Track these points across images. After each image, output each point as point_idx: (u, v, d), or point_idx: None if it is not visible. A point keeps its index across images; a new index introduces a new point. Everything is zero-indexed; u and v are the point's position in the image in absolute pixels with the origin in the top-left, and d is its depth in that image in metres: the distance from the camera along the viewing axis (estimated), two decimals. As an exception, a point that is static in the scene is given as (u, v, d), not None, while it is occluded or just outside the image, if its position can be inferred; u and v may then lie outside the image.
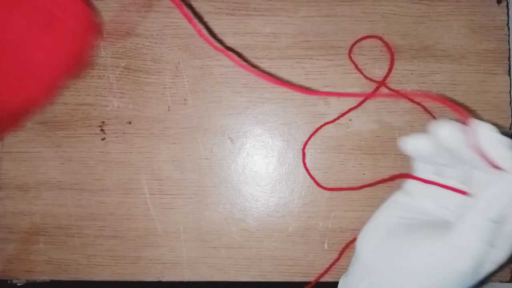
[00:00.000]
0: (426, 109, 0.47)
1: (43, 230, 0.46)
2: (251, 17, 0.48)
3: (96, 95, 0.47)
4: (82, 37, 0.39)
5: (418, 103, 0.47)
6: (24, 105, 0.41)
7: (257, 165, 0.47)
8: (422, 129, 0.46)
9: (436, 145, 0.25)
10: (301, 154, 0.47)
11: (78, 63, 0.42)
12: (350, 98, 0.47)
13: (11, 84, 0.37)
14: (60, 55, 0.38)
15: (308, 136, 0.47)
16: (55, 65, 0.38)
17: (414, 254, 0.25)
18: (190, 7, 0.48)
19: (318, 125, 0.47)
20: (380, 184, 0.46)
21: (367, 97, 0.45)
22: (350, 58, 0.47)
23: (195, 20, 0.44)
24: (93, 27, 0.41)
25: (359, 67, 0.47)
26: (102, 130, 0.47)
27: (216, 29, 0.48)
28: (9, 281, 0.46)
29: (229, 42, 0.47)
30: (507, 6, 0.48)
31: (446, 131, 0.24)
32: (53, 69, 0.38)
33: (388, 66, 0.47)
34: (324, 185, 0.46)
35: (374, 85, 0.47)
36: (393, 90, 0.46)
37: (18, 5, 0.35)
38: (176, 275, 0.45)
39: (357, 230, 0.46)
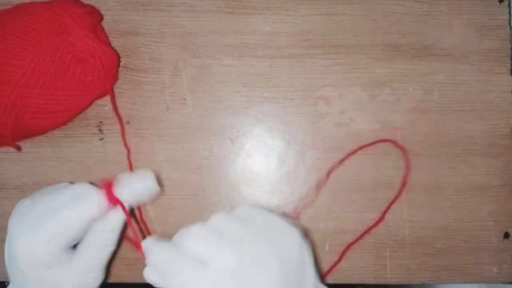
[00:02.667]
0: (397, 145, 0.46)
1: (40, 231, 0.45)
2: (251, 16, 0.47)
3: (95, 95, 0.46)
4: (106, 75, 0.42)
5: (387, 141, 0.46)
6: (45, 130, 0.45)
7: (257, 165, 0.46)
8: (423, 128, 0.46)
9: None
10: (301, 154, 0.46)
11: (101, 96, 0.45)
12: (351, 97, 0.47)
13: (40, 114, 0.41)
14: (86, 92, 0.42)
15: (309, 138, 0.46)
16: (80, 101, 0.42)
17: None
18: (190, 5, 0.47)
19: (319, 125, 0.46)
20: (381, 185, 0.46)
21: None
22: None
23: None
24: (116, 66, 0.44)
25: (360, 66, 0.47)
26: (100, 130, 0.46)
27: (215, 28, 0.47)
28: (7, 283, 0.46)
29: (229, 40, 0.47)
30: (509, 5, 0.48)
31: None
32: (78, 104, 0.43)
33: (390, 64, 0.47)
34: (326, 186, 0.46)
35: (377, 84, 0.47)
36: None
37: (48, 48, 0.40)
38: (175, 277, 0.45)
39: (358, 231, 0.45)
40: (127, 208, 0.34)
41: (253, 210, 0.34)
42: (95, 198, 0.33)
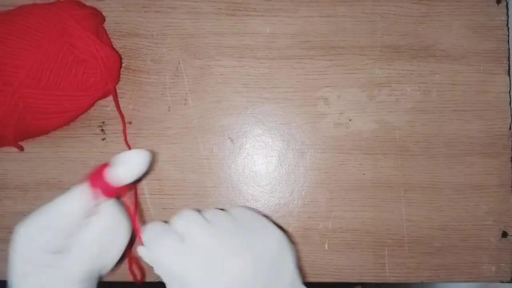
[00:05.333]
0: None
1: (42, 231, 0.46)
2: (251, 18, 0.48)
3: (96, 95, 0.47)
4: (108, 76, 0.43)
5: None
6: (47, 130, 0.45)
7: (257, 165, 0.47)
8: (421, 128, 0.47)
9: None
10: (301, 154, 0.47)
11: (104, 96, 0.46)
12: (350, 97, 0.47)
13: (42, 115, 0.42)
14: (88, 92, 0.43)
15: (309, 138, 0.47)
16: (82, 101, 0.43)
17: None
18: (191, 7, 0.48)
19: (318, 125, 0.47)
20: (380, 184, 0.46)
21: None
22: None
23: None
24: (118, 67, 0.45)
25: (359, 67, 0.47)
26: (102, 130, 0.46)
27: (216, 30, 0.48)
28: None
29: (229, 42, 0.47)
30: (507, 6, 0.48)
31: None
32: (80, 105, 0.43)
33: (388, 65, 0.47)
34: (325, 185, 0.46)
35: (375, 84, 0.47)
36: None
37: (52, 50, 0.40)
38: (176, 276, 0.45)
39: (357, 230, 0.46)
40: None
41: (245, 210, 0.37)
42: (80, 191, 0.35)
